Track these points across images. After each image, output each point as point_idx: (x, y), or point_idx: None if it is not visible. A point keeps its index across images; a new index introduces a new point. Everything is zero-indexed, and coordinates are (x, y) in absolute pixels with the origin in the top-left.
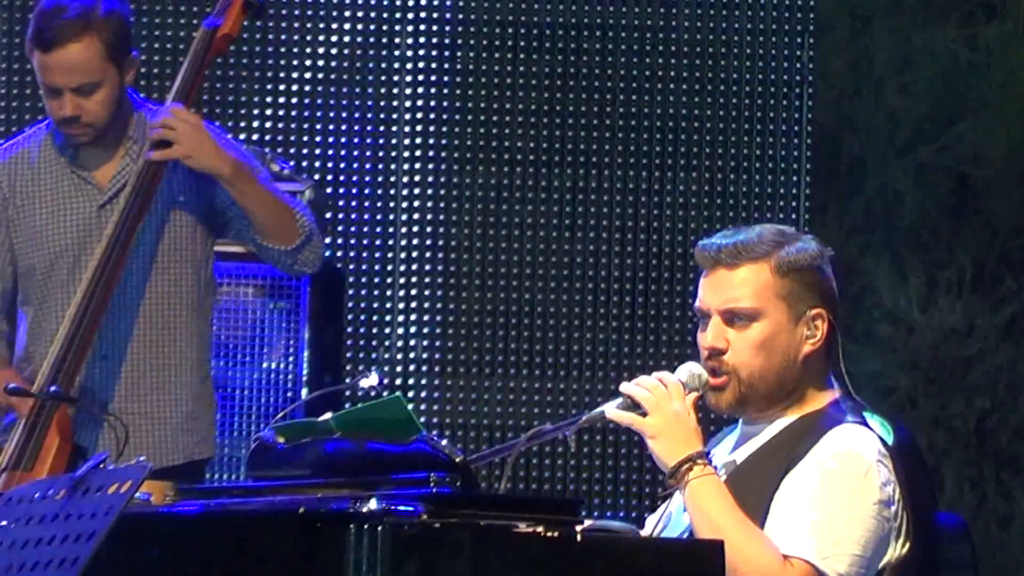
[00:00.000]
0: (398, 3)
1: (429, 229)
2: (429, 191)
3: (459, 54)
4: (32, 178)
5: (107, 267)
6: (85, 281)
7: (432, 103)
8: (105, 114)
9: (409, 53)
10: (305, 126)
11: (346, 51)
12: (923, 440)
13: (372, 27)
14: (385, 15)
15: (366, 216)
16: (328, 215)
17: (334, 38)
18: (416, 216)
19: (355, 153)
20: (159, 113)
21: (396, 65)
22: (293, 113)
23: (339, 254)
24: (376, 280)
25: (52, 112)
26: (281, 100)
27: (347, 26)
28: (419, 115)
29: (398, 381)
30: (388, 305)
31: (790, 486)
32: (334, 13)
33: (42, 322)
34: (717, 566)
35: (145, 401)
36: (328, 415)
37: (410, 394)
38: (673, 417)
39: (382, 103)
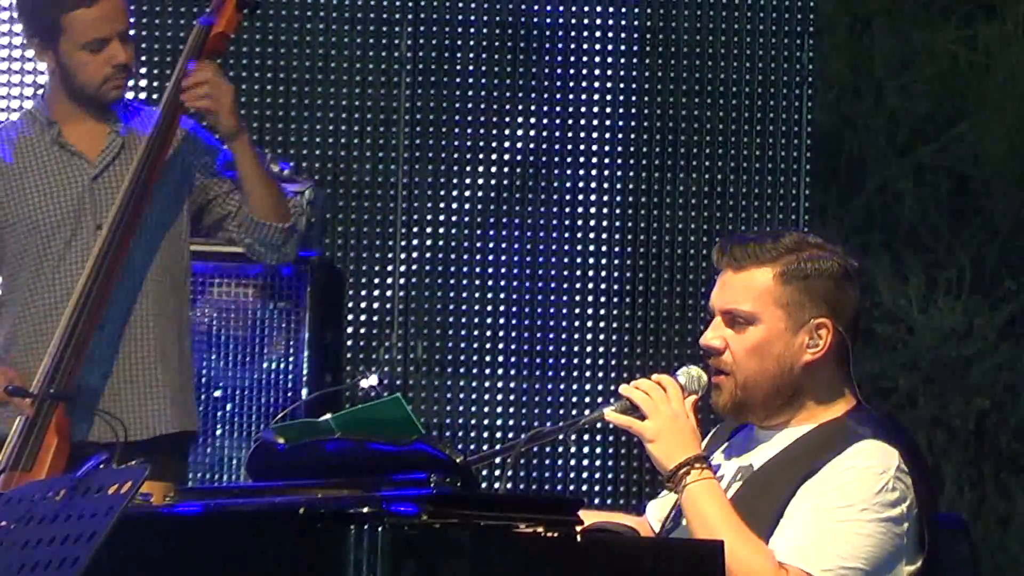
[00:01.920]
0: (398, 3)
1: (429, 229)
2: (429, 191)
3: (459, 54)
4: (15, 158)
5: (104, 264)
6: (83, 278)
7: (431, 103)
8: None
9: (410, 54)
10: (305, 126)
11: (346, 51)
12: (923, 440)
13: (372, 27)
14: (385, 15)
15: (366, 216)
16: (328, 215)
17: (334, 38)
18: (416, 216)
19: (355, 153)
20: (191, 70)
21: (396, 65)
22: (293, 113)
23: (339, 254)
24: (376, 280)
25: (97, 69)
26: (281, 100)
27: (347, 26)
28: (419, 115)
29: (398, 381)
30: (388, 305)
31: (804, 496)
32: (334, 13)
33: (30, 305)
34: (717, 566)
35: (142, 371)
36: (328, 415)
37: (410, 394)
38: (671, 420)
39: (382, 103)
